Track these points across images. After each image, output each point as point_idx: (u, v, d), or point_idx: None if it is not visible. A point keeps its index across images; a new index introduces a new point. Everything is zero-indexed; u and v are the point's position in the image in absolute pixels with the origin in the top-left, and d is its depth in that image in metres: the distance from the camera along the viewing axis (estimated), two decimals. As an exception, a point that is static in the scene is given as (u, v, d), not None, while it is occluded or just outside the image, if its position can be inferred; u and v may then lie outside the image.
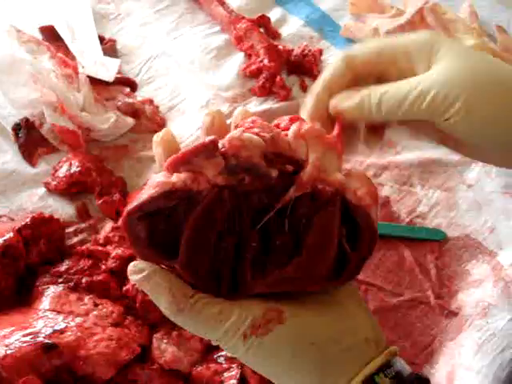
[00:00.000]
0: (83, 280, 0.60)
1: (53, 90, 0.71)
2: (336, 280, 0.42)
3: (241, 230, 0.40)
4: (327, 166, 0.41)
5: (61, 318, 0.57)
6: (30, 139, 0.71)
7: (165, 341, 0.58)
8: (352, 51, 0.48)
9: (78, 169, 0.68)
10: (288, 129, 0.42)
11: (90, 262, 0.62)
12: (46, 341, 0.53)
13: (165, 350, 0.58)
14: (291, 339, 0.40)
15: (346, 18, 0.89)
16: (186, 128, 0.75)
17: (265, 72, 0.79)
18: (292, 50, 0.83)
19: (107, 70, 0.77)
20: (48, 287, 0.60)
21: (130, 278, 0.41)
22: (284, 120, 0.44)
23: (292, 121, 0.44)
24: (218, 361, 0.58)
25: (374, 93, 0.46)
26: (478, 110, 0.43)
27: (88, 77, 0.74)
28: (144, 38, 0.84)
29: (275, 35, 0.86)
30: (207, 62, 0.82)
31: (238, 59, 0.83)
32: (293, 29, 0.87)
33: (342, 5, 0.90)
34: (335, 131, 0.46)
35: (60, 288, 0.60)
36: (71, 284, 0.60)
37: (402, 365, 0.42)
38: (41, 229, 0.62)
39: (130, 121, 0.74)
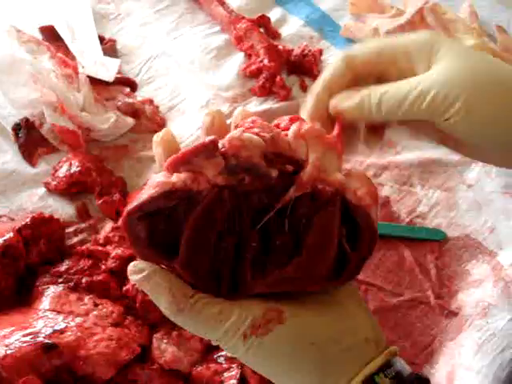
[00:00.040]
0: (83, 280, 0.60)
1: (53, 89, 0.71)
2: (336, 280, 0.42)
3: (241, 230, 0.40)
4: (327, 165, 0.41)
5: (61, 318, 0.57)
6: (30, 139, 0.71)
7: (165, 341, 0.58)
8: (352, 51, 0.48)
9: (78, 169, 0.68)
10: (288, 129, 0.42)
11: (90, 262, 0.62)
12: (46, 341, 0.53)
13: (165, 349, 0.58)
14: (291, 339, 0.40)
15: (345, 18, 0.89)
16: (186, 128, 0.75)
17: (265, 72, 0.79)
18: (292, 50, 0.83)
19: (107, 69, 0.77)
20: (48, 287, 0.60)
21: (129, 277, 0.41)
22: (284, 120, 0.44)
23: (292, 121, 0.44)
24: (218, 361, 0.58)
25: (374, 93, 0.46)
26: (478, 110, 0.43)
27: (88, 77, 0.74)
28: (144, 38, 0.84)
29: (275, 35, 0.86)
30: (207, 62, 0.82)
31: (238, 59, 0.83)
32: (293, 29, 0.87)
33: (341, 5, 0.90)
34: (335, 131, 0.46)
35: (60, 288, 0.60)
36: (71, 284, 0.60)
37: (402, 365, 0.42)
38: (41, 229, 0.62)
39: (130, 121, 0.74)
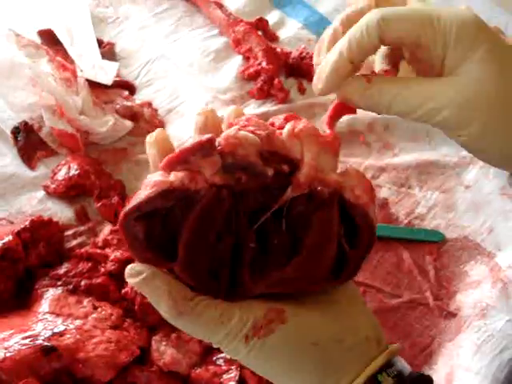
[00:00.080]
0: (82, 283, 0.61)
1: (52, 93, 0.71)
2: (335, 280, 0.42)
3: (238, 230, 0.40)
4: (323, 165, 0.41)
5: (60, 320, 0.57)
6: (29, 142, 0.71)
7: (164, 343, 0.58)
8: (388, 14, 0.42)
9: (77, 172, 0.68)
10: (283, 127, 0.42)
11: (89, 264, 0.62)
12: (46, 343, 0.53)
13: (164, 352, 0.58)
14: (293, 339, 0.39)
15: (343, 20, 0.89)
16: (185, 130, 0.75)
17: (263, 74, 0.79)
18: (290, 53, 0.83)
19: (106, 73, 0.77)
20: (47, 290, 0.60)
21: (127, 280, 0.40)
22: (279, 119, 0.44)
23: (287, 119, 0.43)
24: (217, 363, 0.58)
25: (387, 91, 0.43)
26: (495, 133, 0.41)
27: (87, 80, 0.74)
28: (142, 41, 0.85)
29: (273, 38, 0.86)
30: (206, 65, 0.83)
31: (236, 62, 0.83)
32: (291, 31, 0.87)
33: (340, 7, 0.90)
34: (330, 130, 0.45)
35: (59, 291, 0.60)
36: (70, 287, 0.60)
37: (402, 364, 0.42)
38: (40, 232, 0.62)
39: (129, 124, 0.74)
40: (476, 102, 0.41)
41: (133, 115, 0.75)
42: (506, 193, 0.71)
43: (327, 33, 0.48)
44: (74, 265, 0.62)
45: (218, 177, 0.39)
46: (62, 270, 0.61)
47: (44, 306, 0.58)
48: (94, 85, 0.76)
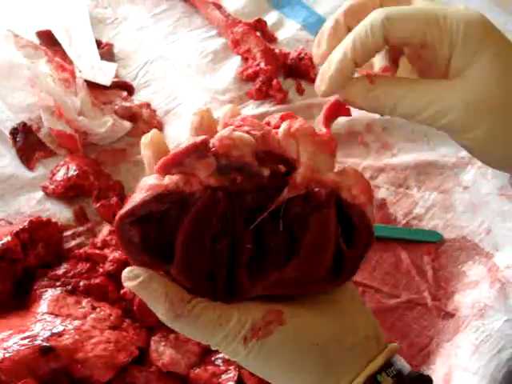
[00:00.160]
0: (81, 283, 0.61)
1: (50, 94, 0.71)
2: (334, 281, 0.42)
3: (234, 230, 0.39)
4: (320, 165, 0.41)
5: (59, 321, 0.57)
6: (28, 143, 0.71)
7: (162, 343, 0.59)
8: (393, 14, 0.42)
9: (76, 172, 0.68)
10: (279, 127, 0.41)
11: (88, 265, 0.62)
12: (44, 344, 0.53)
13: (162, 352, 0.58)
14: (293, 340, 0.39)
15: (342, 21, 0.89)
16: (183, 131, 0.75)
17: (261, 75, 0.79)
18: (288, 54, 0.83)
19: (104, 74, 0.78)
20: (46, 290, 0.60)
21: (124, 284, 0.40)
22: (274, 118, 0.43)
23: (283, 119, 0.43)
24: (216, 363, 0.58)
25: (392, 93, 0.43)
26: (501, 138, 0.41)
27: (85, 81, 0.74)
28: (141, 42, 0.85)
29: (272, 39, 0.86)
30: (204, 66, 0.83)
31: (234, 63, 0.83)
32: (289, 32, 0.87)
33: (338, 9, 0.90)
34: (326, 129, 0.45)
35: (58, 291, 0.60)
36: (69, 287, 0.60)
37: (401, 363, 0.41)
38: (39, 232, 0.62)
39: (127, 124, 0.74)
40: (482, 106, 0.41)
41: (131, 116, 0.75)
42: (504, 193, 0.71)
43: (327, 24, 0.47)
44: (72, 265, 0.62)
45: (213, 178, 0.39)
46: (60, 271, 0.61)
47: (43, 306, 0.58)
48: (92, 85, 0.76)
